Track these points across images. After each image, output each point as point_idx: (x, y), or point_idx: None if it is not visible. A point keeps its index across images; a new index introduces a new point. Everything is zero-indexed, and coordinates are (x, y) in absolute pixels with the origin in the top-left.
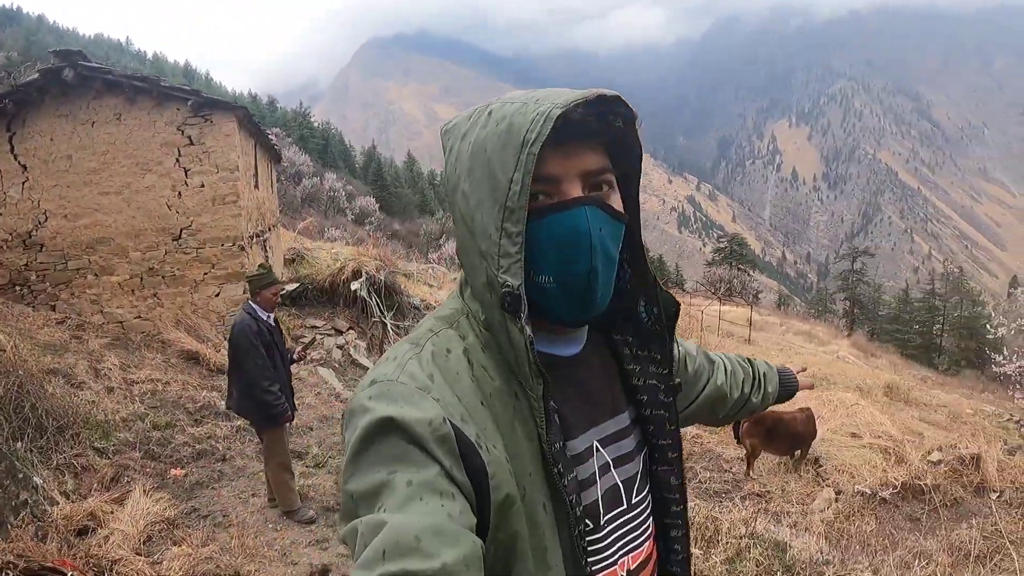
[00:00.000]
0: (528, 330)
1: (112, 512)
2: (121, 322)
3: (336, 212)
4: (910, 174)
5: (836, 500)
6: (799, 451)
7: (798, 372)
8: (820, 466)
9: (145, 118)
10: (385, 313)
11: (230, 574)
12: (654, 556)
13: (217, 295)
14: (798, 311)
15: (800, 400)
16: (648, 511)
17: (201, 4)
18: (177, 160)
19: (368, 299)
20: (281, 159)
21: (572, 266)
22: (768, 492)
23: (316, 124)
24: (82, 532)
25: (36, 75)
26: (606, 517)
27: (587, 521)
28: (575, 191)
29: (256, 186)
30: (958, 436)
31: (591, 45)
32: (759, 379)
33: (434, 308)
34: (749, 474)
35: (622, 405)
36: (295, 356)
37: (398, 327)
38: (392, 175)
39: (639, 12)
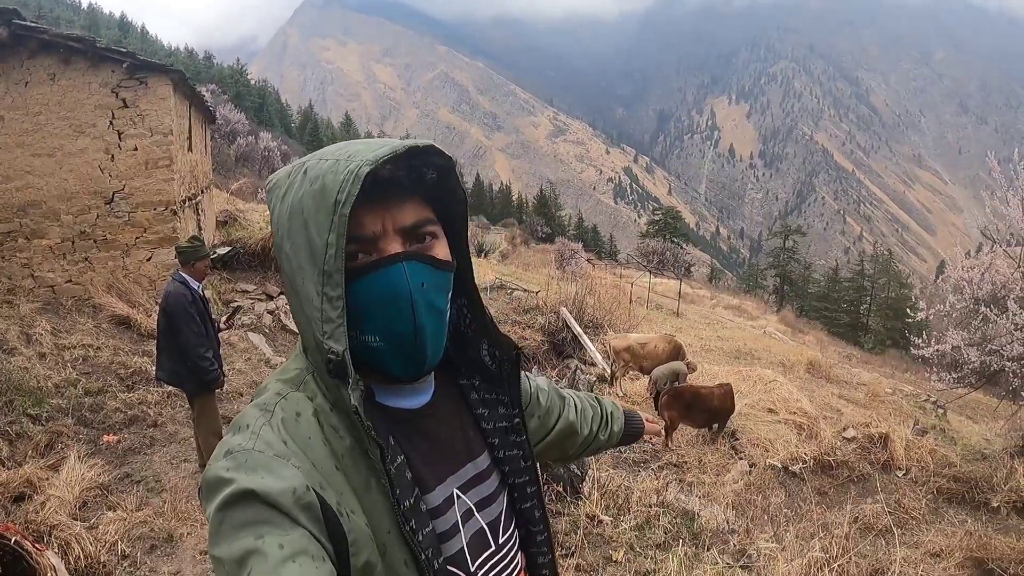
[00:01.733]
0: (355, 397)
1: (48, 479)
2: (52, 286)
3: (270, 172)
4: (845, 157)
5: (749, 473)
6: (716, 424)
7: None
8: (736, 440)
9: (80, 79)
10: None
11: (164, 537)
12: None
13: (149, 260)
14: (729, 286)
15: (721, 375)
16: (516, 546)
17: None
18: (111, 123)
19: None
20: (215, 119)
21: (396, 325)
22: (685, 463)
23: (253, 82)
24: (19, 499)
25: None
26: (476, 563)
27: (457, 572)
28: (394, 247)
29: (190, 148)
30: (874, 415)
31: (533, 14)
32: (606, 418)
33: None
34: (668, 445)
35: (479, 448)
36: (222, 325)
37: None
38: (329, 136)
39: None
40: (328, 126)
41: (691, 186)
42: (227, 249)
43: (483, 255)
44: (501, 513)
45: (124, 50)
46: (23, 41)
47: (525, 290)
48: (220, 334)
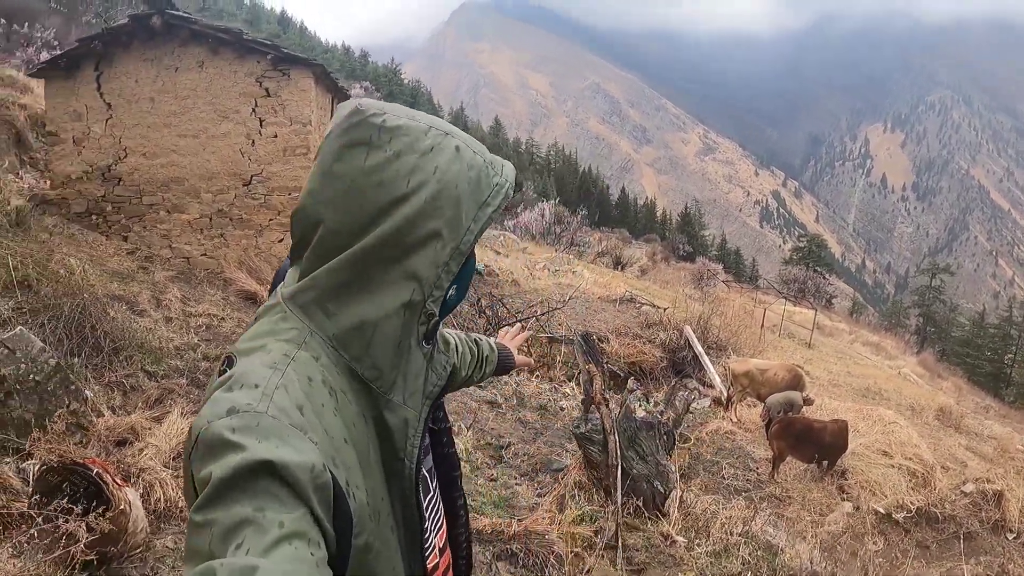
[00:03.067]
0: (442, 360)
1: (150, 428)
2: (187, 258)
3: None
4: (1002, 195)
5: (851, 515)
6: (826, 461)
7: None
8: (845, 479)
9: (226, 68)
10: None
11: None
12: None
13: (280, 241)
14: (870, 321)
15: (840, 411)
16: (438, 490)
17: None
18: (253, 110)
19: None
20: None
21: (467, 290)
22: (788, 497)
23: (407, 81)
24: (121, 443)
25: (126, 20)
26: (426, 507)
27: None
28: None
29: None
30: (995, 470)
31: (688, 27)
32: (481, 361)
33: (497, 275)
34: (773, 477)
35: None
36: None
37: None
38: (478, 138)
39: None
40: (478, 128)
41: (839, 214)
42: None
43: (621, 268)
44: (430, 457)
45: (268, 42)
46: (175, 30)
47: (654, 306)
48: None
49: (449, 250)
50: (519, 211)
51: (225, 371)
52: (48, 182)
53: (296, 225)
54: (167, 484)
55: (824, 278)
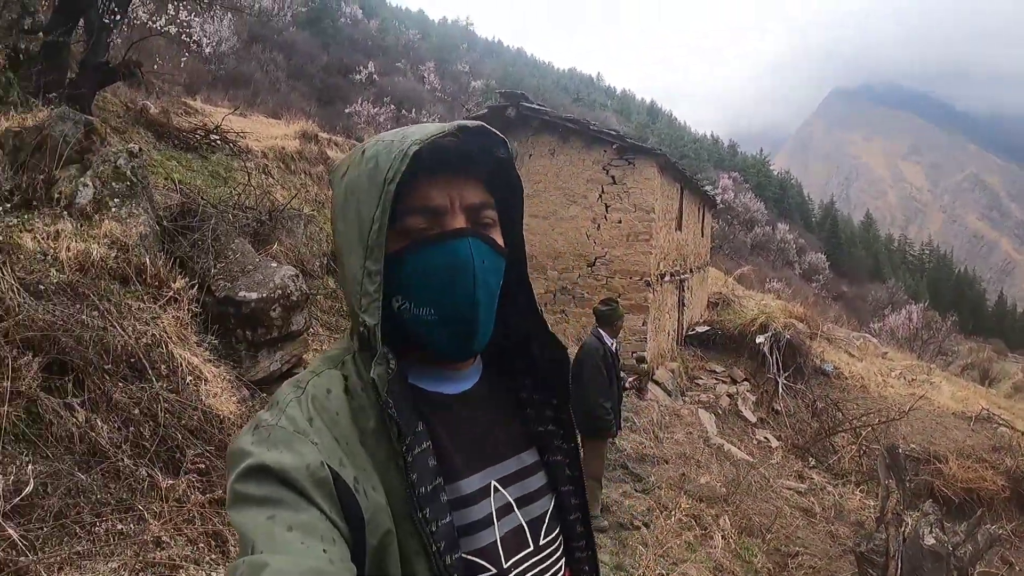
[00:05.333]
0: (376, 371)
1: None
2: None
3: (783, 264)
4: None
5: None
6: None
7: None
8: None
9: (575, 155)
10: (781, 372)
11: None
12: None
13: None
14: None
15: None
16: (561, 554)
17: (668, 47)
18: (600, 196)
19: (768, 355)
20: (716, 205)
21: (456, 297)
22: None
23: (775, 172)
24: None
25: (485, 110)
26: (511, 560)
27: (485, 564)
28: (460, 223)
29: (679, 228)
30: None
31: None
32: None
33: (845, 378)
34: None
35: (524, 444)
36: (627, 384)
37: (791, 386)
38: (847, 234)
39: None
40: (848, 223)
41: None
42: (706, 328)
43: (988, 384)
44: (546, 514)
45: (614, 132)
46: (528, 120)
47: (1012, 428)
48: (624, 391)
49: (361, 251)
50: (887, 312)
51: None
52: None
53: None
54: None
55: None
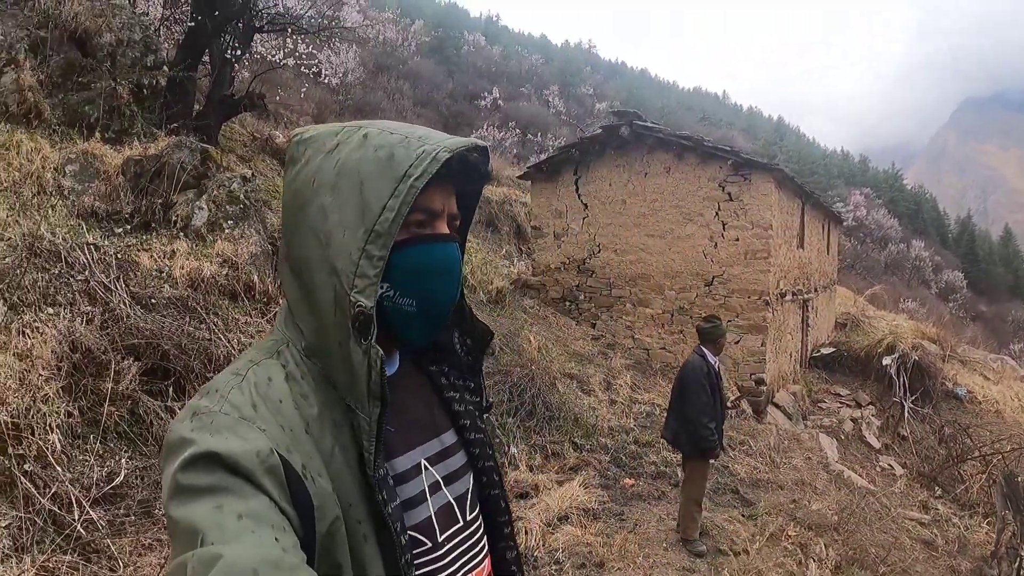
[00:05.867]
0: (380, 351)
1: (550, 488)
2: (647, 349)
3: (919, 283)
4: None
5: None
6: None
7: None
8: None
9: (690, 173)
10: (908, 395)
11: (595, 562)
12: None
13: (737, 342)
14: None
15: None
16: (482, 530)
17: (794, 62)
18: (716, 213)
19: (895, 377)
20: (843, 222)
21: (440, 294)
22: None
23: (908, 187)
24: (522, 496)
25: (599, 130)
26: (444, 535)
27: (423, 539)
28: (444, 228)
29: (800, 245)
30: None
31: None
32: None
33: (979, 403)
34: None
35: (445, 425)
36: (730, 404)
37: (917, 410)
38: (985, 250)
39: None
40: (986, 238)
41: None
42: (831, 350)
43: None
44: (468, 491)
45: (728, 148)
46: (642, 138)
47: None
48: (728, 410)
49: (362, 234)
50: None
51: None
52: (531, 269)
53: None
54: (532, 533)
55: None
